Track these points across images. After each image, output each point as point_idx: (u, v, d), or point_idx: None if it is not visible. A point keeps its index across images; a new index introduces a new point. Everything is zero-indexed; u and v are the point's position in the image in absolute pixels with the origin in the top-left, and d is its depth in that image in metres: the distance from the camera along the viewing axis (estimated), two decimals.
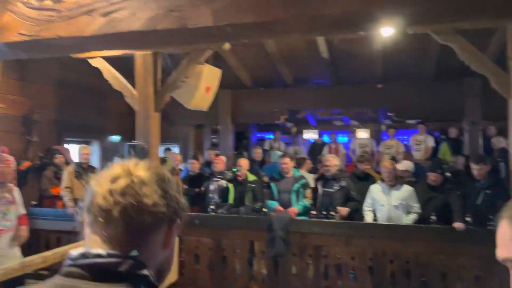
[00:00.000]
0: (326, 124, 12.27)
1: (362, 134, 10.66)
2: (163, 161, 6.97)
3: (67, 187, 5.93)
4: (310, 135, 11.68)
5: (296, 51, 7.42)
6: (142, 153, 4.83)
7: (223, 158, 6.63)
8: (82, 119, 7.72)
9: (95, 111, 8.10)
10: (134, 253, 0.88)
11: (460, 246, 4.56)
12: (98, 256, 0.86)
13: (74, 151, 7.27)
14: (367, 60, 7.44)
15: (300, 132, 12.17)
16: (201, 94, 5.59)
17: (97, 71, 5.28)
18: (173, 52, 5.71)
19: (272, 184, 5.65)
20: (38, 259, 3.76)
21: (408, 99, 8.05)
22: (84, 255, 0.87)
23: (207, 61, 5.48)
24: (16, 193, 4.65)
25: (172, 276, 4.94)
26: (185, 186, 6.60)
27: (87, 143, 7.62)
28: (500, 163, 6.45)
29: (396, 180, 5.16)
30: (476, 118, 7.77)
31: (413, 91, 8.01)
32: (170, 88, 5.17)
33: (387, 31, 4.29)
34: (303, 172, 6.13)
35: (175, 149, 9.55)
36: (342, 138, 11.86)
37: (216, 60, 6.14)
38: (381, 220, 5.08)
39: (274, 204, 5.46)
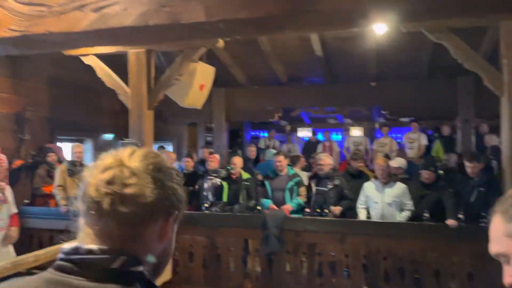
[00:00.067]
0: (320, 122, 12.30)
1: (356, 132, 10.72)
2: None
3: (59, 186, 5.91)
4: (304, 133, 11.73)
5: (290, 49, 7.41)
6: None
7: (217, 156, 6.61)
8: (75, 117, 7.65)
9: (88, 109, 8.04)
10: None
11: (453, 243, 4.58)
12: (90, 252, 0.84)
13: (66, 149, 7.21)
14: (361, 58, 7.44)
15: (294, 130, 12.21)
16: (195, 92, 5.58)
17: (90, 69, 5.25)
18: (167, 49, 5.68)
19: (266, 182, 5.65)
20: (31, 258, 3.74)
21: (401, 97, 8.07)
22: (76, 250, 0.85)
23: (200, 59, 5.46)
24: (8, 192, 4.63)
25: (166, 274, 4.91)
26: None
27: (80, 141, 7.57)
28: (493, 161, 6.48)
29: (390, 177, 5.18)
30: (469, 116, 7.80)
31: (407, 89, 8.02)
32: (164, 86, 5.14)
33: (380, 28, 4.30)
34: (297, 170, 6.13)
35: (169, 147, 9.52)
36: (336, 136, 11.91)
37: (210, 58, 6.11)
38: (375, 217, 5.09)
39: (268, 202, 5.47)
